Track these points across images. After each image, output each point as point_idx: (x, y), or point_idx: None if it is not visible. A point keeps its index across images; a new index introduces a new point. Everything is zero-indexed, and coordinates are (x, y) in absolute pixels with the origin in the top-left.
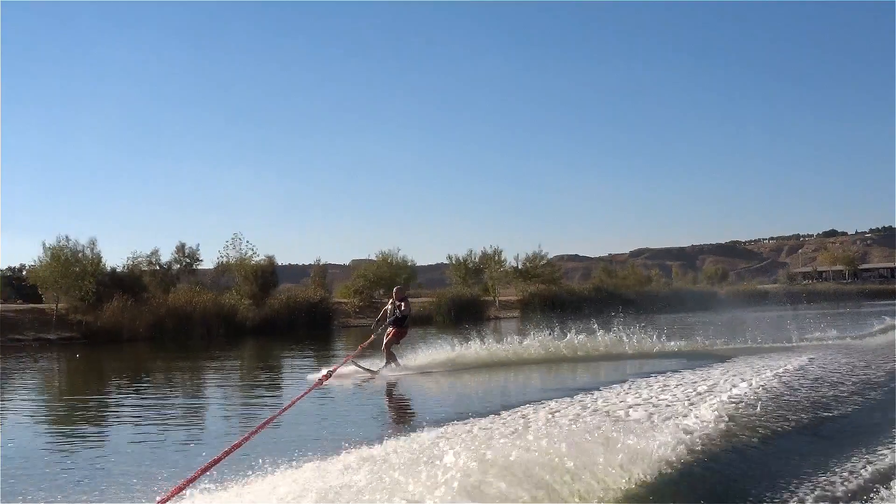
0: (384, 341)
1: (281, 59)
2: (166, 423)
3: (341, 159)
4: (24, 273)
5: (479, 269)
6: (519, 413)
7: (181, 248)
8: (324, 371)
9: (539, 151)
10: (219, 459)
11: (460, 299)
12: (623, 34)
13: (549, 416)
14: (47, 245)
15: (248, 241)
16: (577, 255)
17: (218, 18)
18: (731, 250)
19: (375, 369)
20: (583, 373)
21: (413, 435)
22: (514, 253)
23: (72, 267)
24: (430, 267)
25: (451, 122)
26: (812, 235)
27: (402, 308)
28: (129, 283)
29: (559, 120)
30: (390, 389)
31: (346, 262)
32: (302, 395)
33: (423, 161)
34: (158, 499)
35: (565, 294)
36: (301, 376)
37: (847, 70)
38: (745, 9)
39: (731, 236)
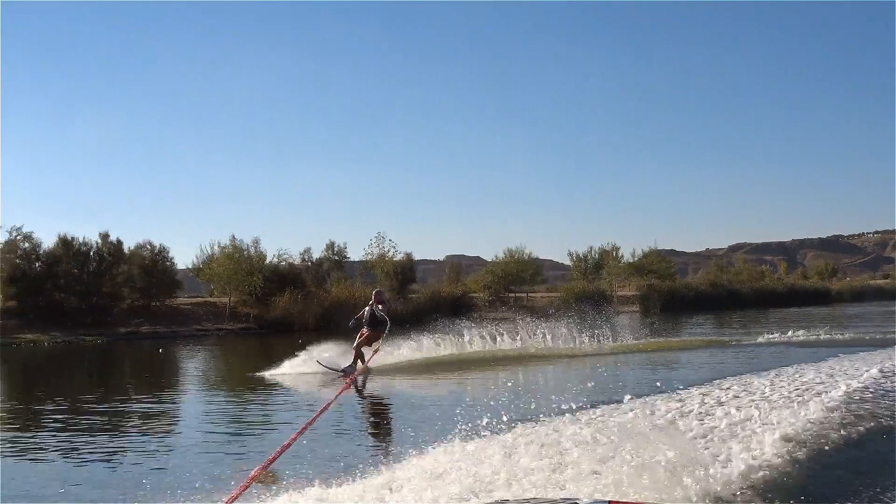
0: (356, 341)
1: (410, 69)
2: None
3: (454, 158)
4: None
5: (598, 265)
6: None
7: (330, 246)
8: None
9: (634, 146)
10: (271, 461)
11: (585, 294)
12: (722, 31)
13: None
14: (220, 245)
15: (390, 240)
16: (673, 250)
17: (350, 25)
18: (833, 245)
19: (339, 369)
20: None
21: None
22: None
23: (242, 264)
24: None
25: (539, 121)
26: None
27: (381, 309)
28: (290, 278)
29: (655, 116)
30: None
31: (441, 257)
32: (332, 401)
33: (514, 159)
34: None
35: (683, 289)
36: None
37: None
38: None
39: (834, 230)
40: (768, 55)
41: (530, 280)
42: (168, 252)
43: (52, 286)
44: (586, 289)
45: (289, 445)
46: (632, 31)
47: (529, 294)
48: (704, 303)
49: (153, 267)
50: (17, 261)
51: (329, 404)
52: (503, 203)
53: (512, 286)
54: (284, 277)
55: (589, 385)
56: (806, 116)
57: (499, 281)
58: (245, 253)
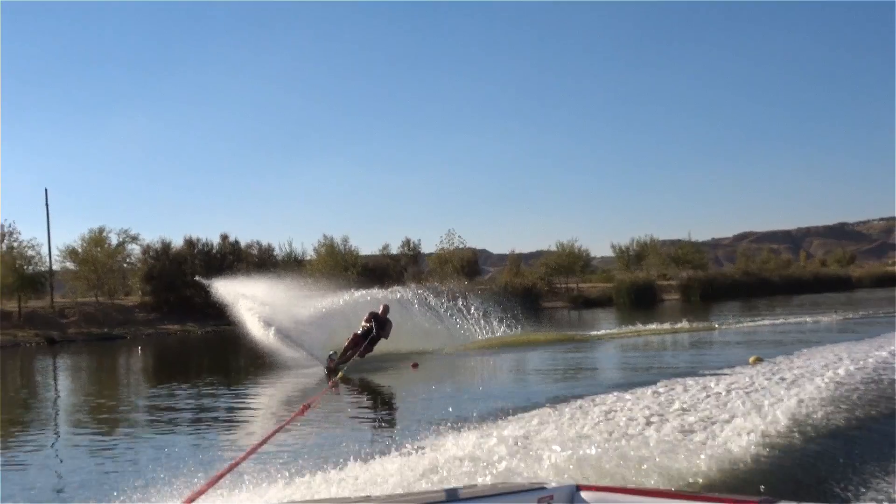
0: (349, 345)
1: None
2: None
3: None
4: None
5: (639, 256)
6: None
7: (406, 243)
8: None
9: (638, 139)
10: (237, 462)
11: (637, 284)
12: (720, 25)
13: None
14: (319, 243)
15: (459, 236)
16: (679, 240)
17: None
18: (839, 232)
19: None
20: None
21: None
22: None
23: (339, 260)
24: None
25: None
26: None
27: (387, 329)
28: (378, 272)
29: (658, 108)
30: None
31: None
32: (295, 415)
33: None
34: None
35: (720, 278)
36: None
37: None
38: None
39: (839, 218)
40: (768, 46)
41: (580, 271)
42: (273, 250)
43: (181, 283)
44: (636, 279)
45: (259, 446)
46: (630, 31)
47: (579, 285)
48: (739, 290)
49: (262, 263)
50: (151, 261)
51: (307, 407)
52: (516, 199)
53: (561, 277)
54: (373, 272)
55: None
56: (810, 105)
57: (551, 272)
58: (337, 249)
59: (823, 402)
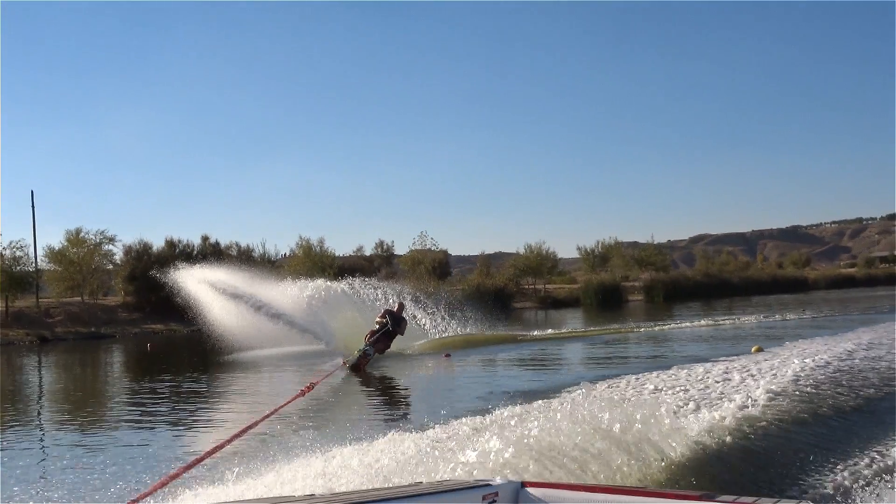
0: (366, 338)
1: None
2: None
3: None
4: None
5: (604, 258)
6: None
7: (380, 244)
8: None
9: (596, 141)
10: (202, 458)
11: (603, 285)
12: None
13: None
14: (298, 244)
15: (431, 238)
16: (636, 242)
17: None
18: (792, 235)
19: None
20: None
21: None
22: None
23: (317, 260)
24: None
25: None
26: (875, 219)
27: (402, 326)
28: (353, 272)
29: (615, 110)
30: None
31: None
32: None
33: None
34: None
35: (682, 279)
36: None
37: None
38: None
39: (792, 221)
40: (721, 52)
41: (548, 273)
42: (253, 251)
43: (163, 283)
44: (604, 280)
45: (245, 431)
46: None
47: (546, 286)
48: (700, 291)
49: (241, 264)
50: (133, 261)
51: (309, 388)
52: (477, 202)
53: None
54: (349, 272)
55: None
56: (763, 110)
57: (520, 273)
58: (314, 251)
59: (801, 391)
